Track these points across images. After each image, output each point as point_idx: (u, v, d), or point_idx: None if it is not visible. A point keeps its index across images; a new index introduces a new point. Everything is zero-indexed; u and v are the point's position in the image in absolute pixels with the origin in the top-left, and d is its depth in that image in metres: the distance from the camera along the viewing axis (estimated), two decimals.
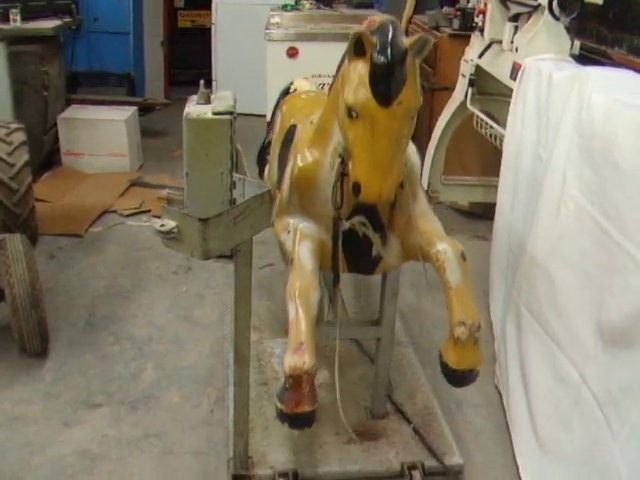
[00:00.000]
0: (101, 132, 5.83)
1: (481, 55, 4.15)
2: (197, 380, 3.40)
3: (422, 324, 3.94)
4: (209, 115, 2.06)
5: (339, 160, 2.22)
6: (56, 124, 5.82)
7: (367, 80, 1.96)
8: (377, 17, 2.14)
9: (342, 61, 2.16)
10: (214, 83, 8.02)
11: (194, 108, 2.12)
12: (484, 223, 4.91)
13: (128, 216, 5.17)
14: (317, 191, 2.37)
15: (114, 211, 5.23)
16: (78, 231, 4.84)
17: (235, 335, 2.54)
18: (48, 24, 5.40)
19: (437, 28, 5.22)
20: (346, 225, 2.35)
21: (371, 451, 2.86)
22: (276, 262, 4.04)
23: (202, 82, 2.22)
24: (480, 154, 4.98)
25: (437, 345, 3.66)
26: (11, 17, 5.04)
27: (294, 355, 2.14)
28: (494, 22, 4.08)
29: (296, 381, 2.14)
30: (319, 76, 4.69)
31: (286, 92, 3.42)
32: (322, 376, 3.37)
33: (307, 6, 5.16)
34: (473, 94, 4.46)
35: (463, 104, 4.53)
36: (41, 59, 5.33)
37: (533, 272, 3.05)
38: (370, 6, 6.34)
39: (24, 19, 5.18)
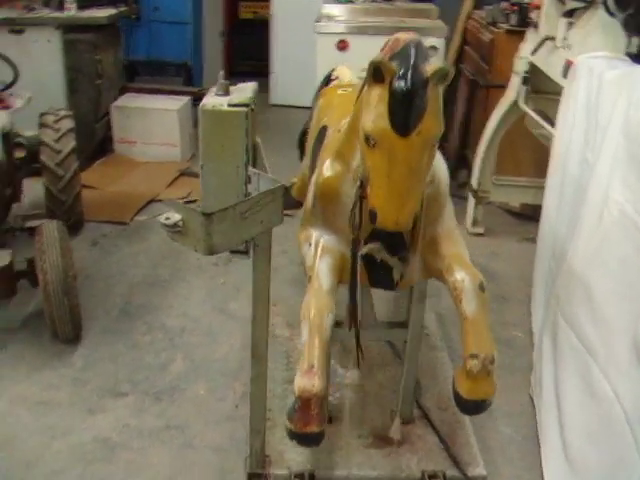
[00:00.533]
0: (153, 121, 5.87)
1: (534, 52, 4.00)
2: (225, 374, 3.37)
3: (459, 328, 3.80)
4: (224, 107, 2.02)
5: (358, 183, 2.15)
6: (109, 112, 5.89)
7: (385, 109, 1.87)
8: (403, 35, 2.00)
9: (363, 84, 2.07)
10: (272, 75, 8.02)
11: (211, 99, 2.08)
12: (535, 225, 4.74)
13: None
14: (339, 205, 2.31)
15: (161, 200, 5.25)
16: (123, 219, 4.89)
17: (252, 332, 2.50)
18: (103, 13, 5.46)
19: (494, 24, 5.06)
20: (363, 250, 2.28)
21: (392, 457, 2.78)
22: None
23: (221, 73, 2.19)
24: (534, 154, 4.81)
25: None
26: (66, 5, 5.11)
27: (304, 377, 2.15)
28: (549, 18, 3.92)
29: (305, 403, 2.16)
30: None
31: (327, 79, 3.36)
32: (351, 376, 3.32)
33: None
34: (527, 92, 4.31)
35: (516, 103, 4.39)
36: (95, 48, 5.38)
37: (572, 280, 2.91)
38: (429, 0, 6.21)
39: (80, 7, 5.24)
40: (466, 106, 5.65)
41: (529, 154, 4.93)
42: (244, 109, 2.01)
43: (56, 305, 3.29)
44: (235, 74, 8.99)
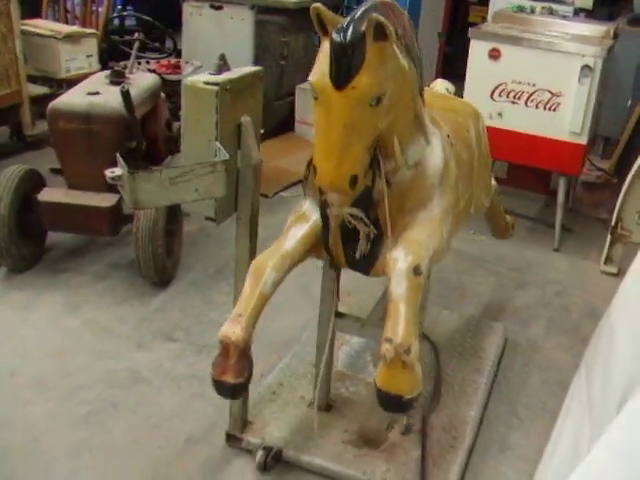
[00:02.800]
0: None
1: None
2: (271, 344, 3.52)
3: (528, 362, 3.62)
4: (199, 84, 2.19)
5: None
6: (293, 93, 6.25)
7: (327, 61, 1.90)
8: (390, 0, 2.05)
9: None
10: None
11: (198, 76, 2.27)
12: None
13: None
14: None
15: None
16: (266, 192, 5.21)
17: (234, 301, 2.65)
18: None
19: None
20: (335, 212, 2.30)
21: (364, 459, 2.78)
22: None
23: (220, 54, 2.35)
24: None
25: (527, 389, 3.42)
26: None
27: (229, 323, 2.26)
28: None
29: (225, 349, 2.27)
30: (519, 83, 4.46)
31: None
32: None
33: (538, 10, 4.85)
34: None
35: None
36: (283, 30, 5.76)
37: (604, 327, 2.68)
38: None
39: None
40: None
41: None
42: (215, 88, 2.17)
43: (142, 249, 3.69)
44: (453, 75, 9.00)
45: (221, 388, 2.31)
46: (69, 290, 3.83)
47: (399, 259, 2.12)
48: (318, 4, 1.91)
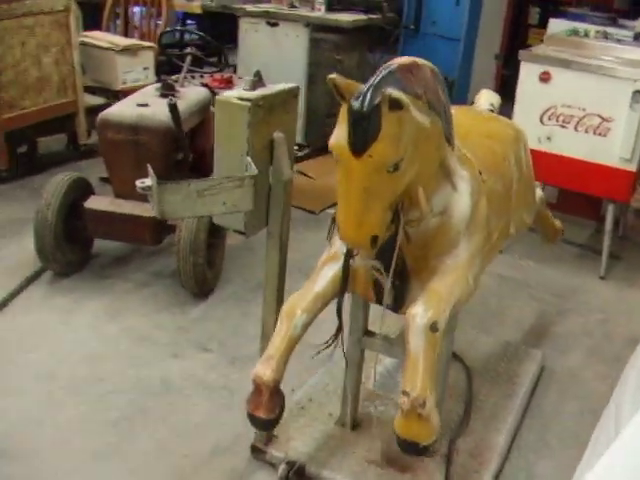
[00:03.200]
0: None
1: None
2: (303, 361, 3.53)
3: (564, 390, 3.55)
4: (232, 99, 2.23)
5: None
6: None
7: (346, 127, 1.94)
8: (401, 59, 2.10)
9: None
10: None
11: (233, 92, 2.31)
12: None
13: None
14: None
15: None
16: (313, 208, 5.25)
17: (262, 313, 2.69)
18: (348, 18, 5.83)
19: None
20: (357, 262, 2.35)
21: (386, 479, 2.76)
22: None
23: (256, 70, 2.39)
24: None
25: (561, 418, 3.36)
26: (316, 6, 5.60)
27: (261, 364, 2.37)
28: None
29: (257, 388, 2.39)
30: (569, 106, 4.40)
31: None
32: None
33: (593, 34, 4.77)
34: None
35: None
36: (337, 48, 5.81)
37: (635, 360, 2.62)
38: None
39: (330, 10, 5.70)
40: None
41: None
42: (247, 103, 2.20)
43: (183, 260, 3.75)
44: (510, 98, 8.91)
45: (255, 421, 2.44)
46: (112, 296, 3.92)
47: (418, 315, 2.17)
48: (334, 75, 1.96)
